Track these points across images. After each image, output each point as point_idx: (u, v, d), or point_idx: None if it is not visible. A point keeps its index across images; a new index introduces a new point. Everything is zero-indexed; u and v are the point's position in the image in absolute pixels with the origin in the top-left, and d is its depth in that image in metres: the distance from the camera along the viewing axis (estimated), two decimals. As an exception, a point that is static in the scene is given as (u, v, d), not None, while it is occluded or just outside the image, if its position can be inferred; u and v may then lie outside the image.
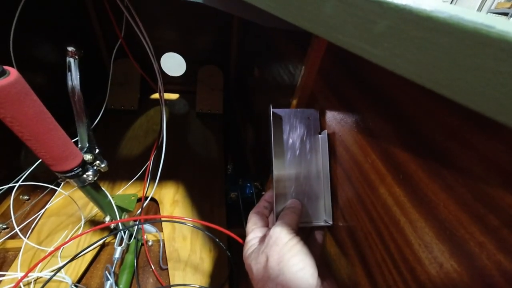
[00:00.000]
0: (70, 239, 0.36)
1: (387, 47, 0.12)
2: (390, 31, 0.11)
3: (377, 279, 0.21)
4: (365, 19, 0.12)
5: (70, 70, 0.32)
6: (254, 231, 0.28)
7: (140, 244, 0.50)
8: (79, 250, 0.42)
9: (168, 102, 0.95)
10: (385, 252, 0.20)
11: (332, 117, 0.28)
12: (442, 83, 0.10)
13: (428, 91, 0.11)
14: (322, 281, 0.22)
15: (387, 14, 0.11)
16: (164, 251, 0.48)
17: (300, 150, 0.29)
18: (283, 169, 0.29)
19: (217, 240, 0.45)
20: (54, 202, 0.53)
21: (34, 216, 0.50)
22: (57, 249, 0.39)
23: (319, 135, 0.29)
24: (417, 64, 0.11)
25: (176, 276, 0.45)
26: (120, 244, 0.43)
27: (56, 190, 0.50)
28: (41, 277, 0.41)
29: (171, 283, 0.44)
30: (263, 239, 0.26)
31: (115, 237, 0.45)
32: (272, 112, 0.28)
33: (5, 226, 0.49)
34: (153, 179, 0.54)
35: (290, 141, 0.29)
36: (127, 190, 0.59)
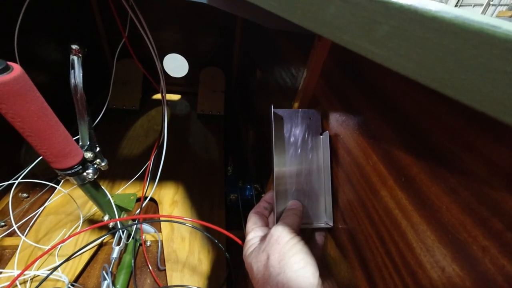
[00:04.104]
0: (68, 238, 0.36)
1: (391, 48, 0.12)
2: (395, 32, 0.11)
3: (378, 283, 0.21)
4: (369, 19, 0.12)
5: (73, 68, 0.32)
6: (254, 230, 0.28)
7: (138, 244, 0.49)
8: (77, 249, 0.41)
9: (170, 103, 0.95)
10: (386, 256, 0.20)
11: (334, 119, 0.28)
12: (447, 83, 0.10)
13: (432, 92, 0.11)
14: (323, 281, 0.21)
15: (392, 15, 0.11)
16: (162, 252, 0.48)
17: (301, 150, 0.29)
18: (284, 168, 0.29)
19: (216, 241, 0.44)
20: (53, 200, 0.53)
21: (32, 214, 0.50)
22: (54, 247, 0.39)
23: (321, 136, 0.29)
24: (422, 64, 0.11)
25: (173, 277, 0.45)
26: (118, 244, 0.42)
27: (56, 188, 0.50)
28: (37, 275, 0.41)
29: (169, 284, 0.43)
30: (263, 238, 0.26)
31: (113, 237, 0.45)
32: (274, 112, 0.28)
33: (3, 224, 0.49)
34: (153, 179, 0.54)
35: (291, 141, 0.29)
36: (127, 190, 0.58)
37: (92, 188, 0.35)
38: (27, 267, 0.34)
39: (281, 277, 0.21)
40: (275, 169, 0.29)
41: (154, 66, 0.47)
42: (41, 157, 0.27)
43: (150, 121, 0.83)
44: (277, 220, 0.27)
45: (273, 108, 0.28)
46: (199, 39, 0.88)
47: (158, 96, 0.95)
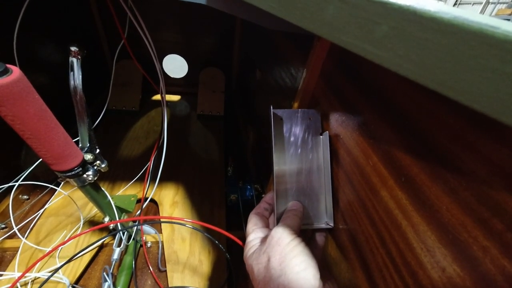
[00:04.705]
0: (69, 239, 0.36)
1: (390, 48, 0.12)
2: (394, 32, 0.11)
3: (379, 284, 0.21)
4: (368, 20, 0.12)
5: (72, 70, 0.32)
6: (255, 231, 0.28)
7: (139, 246, 0.49)
8: (77, 251, 0.41)
9: (170, 104, 0.95)
10: (387, 256, 0.20)
11: (334, 119, 0.28)
12: (446, 84, 0.10)
13: (431, 92, 0.11)
14: (324, 283, 0.21)
15: (391, 15, 0.11)
16: (163, 253, 0.48)
17: (301, 150, 0.29)
18: (284, 167, 0.29)
19: (216, 242, 0.44)
20: (54, 202, 0.53)
21: (33, 216, 0.50)
22: (55, 249, 0.39)
23: (320, 136, 0.29)
24: (421, 65, 0.11)
25: (174, 278, 0.45)
26: (119, 245, 0.42)
27: (56, 190, 0.50)
28: (38, 277, 0.41)
29: (169, 285, 0.43)
30: (264, 239, 0.26)
31: (114, 238, 0.45)
32: (273, 112, 0.28)
33: (3, 226, 0.49)
34: (153, 180, 0.54)
35: (291, 141, 0.29)
36: (127, 191, 0.58)
37: (92, 190, 0.35)
38: (28, 269, 0.34)
39: (282, 279, 0.21)
40: (275, 168, 0.29)
41: (153, 67, 0.47)
42: (41, 159, 0.27)
43: (150, 122, 0.83)
44: (278, 221, 0.27)
45: (273, 108, 0.28)
46: (199, 40, 0.88)
47: (158, 97, 0.95)
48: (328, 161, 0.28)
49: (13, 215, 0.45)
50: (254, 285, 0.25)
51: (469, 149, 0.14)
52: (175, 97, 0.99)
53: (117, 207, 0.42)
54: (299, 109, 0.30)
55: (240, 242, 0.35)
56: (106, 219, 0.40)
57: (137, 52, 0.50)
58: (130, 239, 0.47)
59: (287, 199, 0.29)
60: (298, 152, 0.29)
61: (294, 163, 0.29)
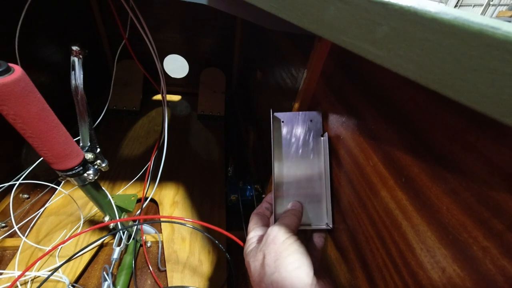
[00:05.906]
0: (69, 238, 0.36)
1: (391, 48, 0.12)
2: (394, 33, 0.11)
3: (379, 284, 0.21)
4: (369, 21, 0.12)
5: (74, 69, 0.32)
6: (254, 230, 0.28)
7: (138, 245, 0.49)
8: (77, 250, 0.41)
9: (170, 104, 0.95)
10: (387, 257, 0.20)
11: (334, 120, 0.28)
12: (447, 84, 0.10)
13: (432, 93, 0.11)
14: (318, 280, 0.21)
15: (392, 16, 0.11)
16: (162, 253, 0.48)
17: (301, 153, 0.29)
18: (284, 171, 0.29)
19: (216, 242, 0.44)
20: (54, 201, 0.53)
21: (33, 215, 0.50)
22: (55, 248, 0.39)
23: (322, 138, 0.29)
24: (422, 65, 0.11)
25: (174, 278, 0.45)
26: (119, 245, 0.42)
27: (56, 189, 0.50)
28: (38, 276, 0.41)
29: (169, 285, 0.43)
30: (262, 237, 0.26)
31: (114, 238, 0.45)
32: (273, 116, 0.28)
33: (4, 225, 0.49)
34: (153, 180, 0.54)
35: (292, 143, 0.29)
36: (127, 191, 0.58)
37: (93, 189, 0.35)
38: (28, 268, 0.34)
39: (275, 276, 0.22)
40: (275, 171, 0.29)
41: (154, 67, 0.47)
42: (42, 158, 0.27)
43: (150, 122, 0.83)
44: (276, 221, 0.27)
45: (273, 111, 0.28)
46: (199, 40, 0.88)
47: (158, 97, 0.95)
48: (329, 162, 0.28)
49: (13, 214, 0.45)
50: (250, 281, 0.25)
51: (469, 149, 0.14)
52: (176, 97, 0.99)
53: (117, 206, 0.42)
54: (300, 112, 0.30)
55: (240, 242, 0.35)
56: (106, 218, 0.41)
57: (138, 52, 0.50)
58: (130, 238, 0.47)
59: (287, 200, 0.29)
60: (299, 153, 0.29)
61: (295, 166, 0.29)
